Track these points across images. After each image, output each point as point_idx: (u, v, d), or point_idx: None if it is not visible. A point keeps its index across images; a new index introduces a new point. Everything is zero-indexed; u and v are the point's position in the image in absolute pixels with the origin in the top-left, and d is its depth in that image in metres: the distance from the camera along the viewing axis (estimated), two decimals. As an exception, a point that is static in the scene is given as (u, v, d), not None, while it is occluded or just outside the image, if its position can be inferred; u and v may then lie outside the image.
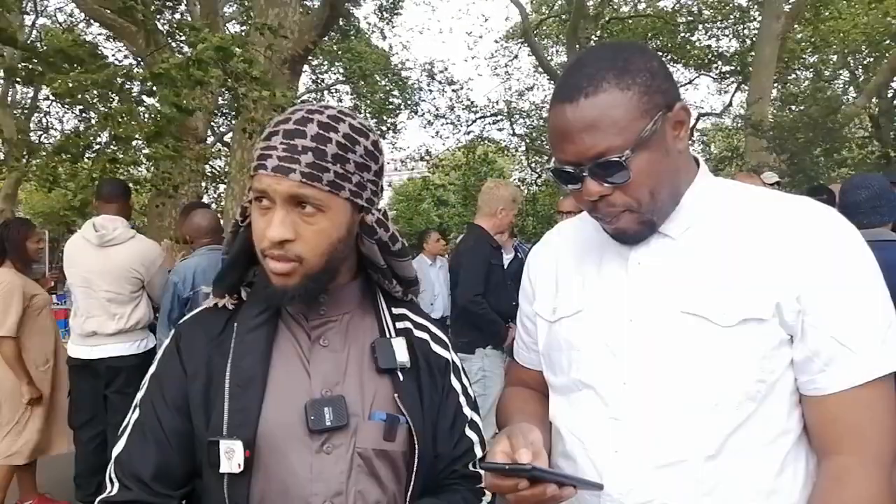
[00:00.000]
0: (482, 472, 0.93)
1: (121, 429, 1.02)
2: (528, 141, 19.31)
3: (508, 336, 3.56)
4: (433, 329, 1.13)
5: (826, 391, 0.92)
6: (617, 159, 0.91)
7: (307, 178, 0.90)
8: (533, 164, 20.61)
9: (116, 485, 0.97)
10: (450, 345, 1.14)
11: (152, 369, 1.04)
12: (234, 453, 0.92)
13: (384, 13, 15.45)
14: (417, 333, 1.09)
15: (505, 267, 3.94)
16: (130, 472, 0.97)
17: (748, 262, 0.94)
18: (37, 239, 3.88)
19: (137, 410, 1.01)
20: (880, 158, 12.26)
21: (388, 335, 1.06)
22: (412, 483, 1.01)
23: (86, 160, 6.32)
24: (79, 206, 6.14)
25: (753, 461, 0.93)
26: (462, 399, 1.11)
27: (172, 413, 0.99)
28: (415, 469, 1.00)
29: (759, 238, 0.95)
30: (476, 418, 1.13)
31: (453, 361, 1.13)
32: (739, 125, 13.75)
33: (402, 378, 1.03)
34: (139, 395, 1.03)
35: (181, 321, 1.07)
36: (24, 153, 7.44)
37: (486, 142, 19.22)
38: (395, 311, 1.11)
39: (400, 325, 1.09)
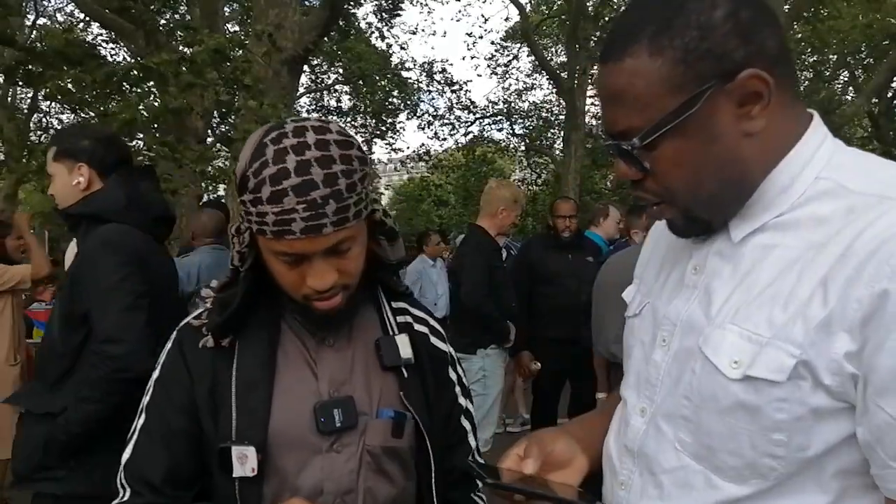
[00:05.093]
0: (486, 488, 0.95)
1: (128, 435, 1.01)
2: (528, 141, 19.32)
3: (512, 334, 3.58)
4: (431, 322, 1.15)
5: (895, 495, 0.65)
6: (627, 147, 0.73)
7: (337, 224, 0.87)
8: (533, 165, 20.63)
9: (128, 490, 0.98)
10: (446, 336, 1.17)
11: (156, 373, 1.03)
12: (248, 458, 0.93)
13: (383, 14, 15.43)
14: (417, 327, 1.11)
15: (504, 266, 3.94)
16: (140, 478, 0.97)
17: (797, 297, 0.68)
18: (16, 236, 3.86)
19: (144, 415, 1.01)
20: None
21: (390, 331, 1.07)
22: (433, 477, 1.02)
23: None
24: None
25: None
26: (458, 389, 1.15)
27: (180, 416, 0.99)
28: (432, 464, 1.01)
29: (828, 264, 0.67)
30: (470, 406, 1.16)
31: (450, 353, 1.16)
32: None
33: (406, 375, 1.04)
34: (145, 399, 1.03)
35: (181, 324, 1.06)
36: (25, 153, 7.42)
37: (485, 142, 19.23)
38: (395, 305, 1.12)
39: (401, 318, 1.10)
